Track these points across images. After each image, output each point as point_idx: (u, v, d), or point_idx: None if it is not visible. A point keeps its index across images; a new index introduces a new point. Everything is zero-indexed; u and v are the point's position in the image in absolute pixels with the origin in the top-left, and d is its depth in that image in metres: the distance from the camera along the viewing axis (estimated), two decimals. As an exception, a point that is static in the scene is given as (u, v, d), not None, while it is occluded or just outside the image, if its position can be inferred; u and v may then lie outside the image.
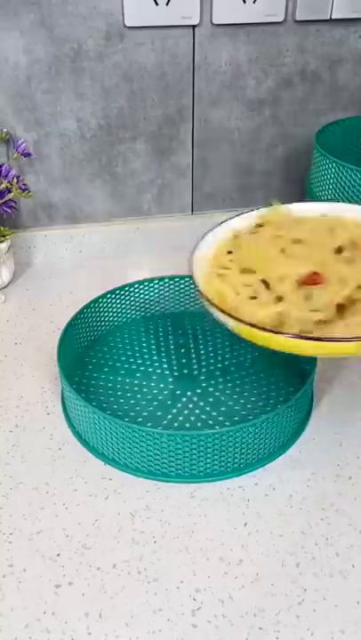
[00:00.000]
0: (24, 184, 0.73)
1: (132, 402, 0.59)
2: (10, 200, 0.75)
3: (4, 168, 0.72)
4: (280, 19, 0.77)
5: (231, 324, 0.44)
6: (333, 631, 0.42)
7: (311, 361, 0.58)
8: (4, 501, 0.52)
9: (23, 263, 0.86)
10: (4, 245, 0.77)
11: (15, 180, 0.70)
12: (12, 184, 0.70)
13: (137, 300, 0.71)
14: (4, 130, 0.76)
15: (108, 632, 0.42)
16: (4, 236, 0.77)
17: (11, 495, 0.52)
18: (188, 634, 0.42)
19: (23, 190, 0.71)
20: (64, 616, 0.43)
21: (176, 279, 0.72)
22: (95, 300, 0.67)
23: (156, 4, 0.72)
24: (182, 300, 0.73)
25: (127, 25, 0.73)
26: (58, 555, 0.47)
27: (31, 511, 0.51)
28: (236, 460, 0.53)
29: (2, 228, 0.78)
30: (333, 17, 0.77)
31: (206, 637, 0.42)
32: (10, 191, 0.72)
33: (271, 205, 0.56)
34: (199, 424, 0.56)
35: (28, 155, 0.76)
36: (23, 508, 0.51)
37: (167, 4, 0.73)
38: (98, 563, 0.47)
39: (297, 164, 0.89)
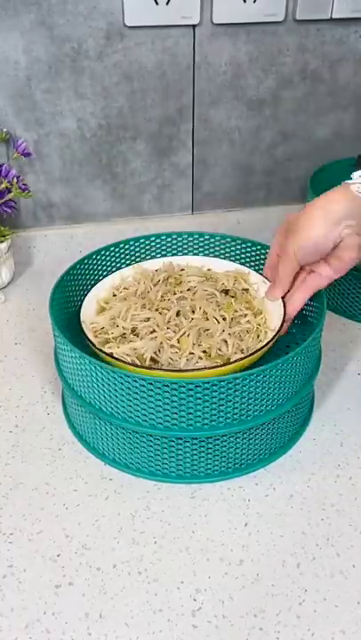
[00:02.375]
0: (24, 184, 0.73)
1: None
2: (10, 200, 0.74)
3: (3, 168, 0.71)
4: (280, 18, 0.76)
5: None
6: (334, 632, 0.42)
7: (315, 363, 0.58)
8: (4, 501, 0.52)
9: (23, 263, 0.86)
10: (4, 245, 0.77)
11: (15, 180, 0.70)
12: (12, 184, 0.70)
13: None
14: (4, 130, 0.76)
15: (109, 632, 0.42)
16: (3, 236, 0.77)
17: (11, 495, 0.52)
18: (188, 634, 0.42)
19: (23, 190, 0.71)
20: (64, 616, 0.43)
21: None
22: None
23: (157, 3, 0.72)
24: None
25: (127, 24, 0.73)
26: (58, 555, 0.47)
27: (31, 511, 0.51)
28: (236, 461, 0.53)
29: (2, 228, 0.78)
30: (334, 16, 0.77)
31: (207, 638, 0.42)
32: (10, 191, 0.72)
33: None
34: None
35: (28, 154, 0.76)
36: (23, 509, 0.51)
37: (167, 4, 0.73)
38: (98, 563, 0.47)
39: (297, 164, 0.89)
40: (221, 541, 0.48)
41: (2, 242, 0.76)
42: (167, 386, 0.47)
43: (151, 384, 0.48)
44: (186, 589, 0.45)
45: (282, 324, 0.55)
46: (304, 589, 0.45)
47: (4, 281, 0.80)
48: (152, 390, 0.48)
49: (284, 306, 0.57)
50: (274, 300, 0.58)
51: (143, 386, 0.48)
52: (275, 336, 0.54)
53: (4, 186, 0.71)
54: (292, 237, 0.54)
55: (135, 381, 0.48)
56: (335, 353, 0.69)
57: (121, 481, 0.54)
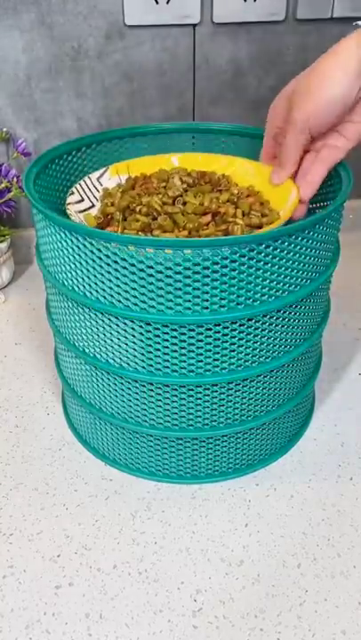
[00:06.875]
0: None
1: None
2: (10, 200, 0.74)
3: (3, 168, 0.71)
4: (281, 17, 0.76)
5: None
6: (335, 632, 0.42)
7: (315, 362, 0.58)
8: (5, 502, 0.52)
9: (23, 263, 0.86)
10: (4, 245, 0.77)
11: (15, 179, 0.70)
12: (11, 184, 0.70)
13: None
14: (4, 129, 0.76)
15: (109, 633, 0.42)
16: (3, 236, 0.77)
17: (11, 495, 0.52)
18: (188, 635, 0.42)
19: (23, 190, 0.71)
20: (64, 617, 0.43)
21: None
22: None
23: (157, 2, 0.72)
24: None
25: (127, 24, 0.73)
26: (58, 555, 0.47)
27: (31, 512, 0.51)
28: (237, 461, 0.53)
29: (2, 228, 0.78)
30: (335, 16, 0.77)
31: (207, 638, 0.42)
32: (10, 191, 0.71)
33: None
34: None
35: (27, 154, 0.76)
36: (23, 509, 0.51)
37: (167, 3, 0.72)
38: (98, 563, 0.47)
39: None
40: (222, 542, 0.48)
41: (2, 242, 0.76)
42: (167, 386, 0.47)
43: (152, 384, 0.47)
44: (186, 590, 0.45)
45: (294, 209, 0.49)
46: (305, 590, 0.45)
47: (3, 281, 0.80)
48: (152, 390, 0.48)
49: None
50: (281, 183, 0.50)
51: (143, 385, 0.48)
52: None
53: (3, 185, 0.71)
54: (301, 102, 0.45)
55: (135, 381, 0.48)
56: (336, 353, 0.69)
57: (121, 481, 0.53)
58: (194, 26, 0.75)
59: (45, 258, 0.49)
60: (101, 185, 0.58)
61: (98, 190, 0.57)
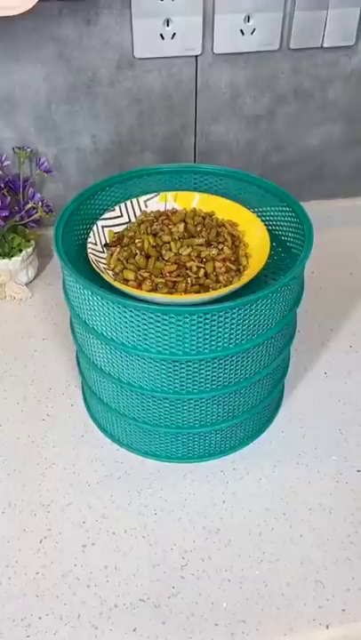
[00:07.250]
0: (47, 205, 0.84)
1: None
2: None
3: (30, 192, 0.83)
4: (275, 47, 0.84)
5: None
6: (281, 585, 0.59)
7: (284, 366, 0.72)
8: (42, 479, 0.68)
9: (46, 256, 0.98)
10: (30, 249, 0.89)
11: (40, 203, 0.82)
12: (37, 207, 0.81)
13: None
14: (29, 149, 0.86)
15: (121, 580, 0.59)
16: (28, 241, 0.89)
17: (47, 473, 0.68)
18: (178, 583, 0.59)
19: (47, 212, 0.82)
20: (90, 568, 0.60)
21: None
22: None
23: (162, 38, 0.80)
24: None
25: (136, 57, 0.82)
26: (84, 522, 0.64)
27: (63, 487, 0.67)
28: (220, 445, 0.69)
29: (27, 232, 0.90)
30: (325, 45, 0.85)
31: (190, 586, 0.59)
32: (36, 210, 0.83)
33: None
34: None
35: (48, 172, 0.86)
36: (56, 484, 0.67)
37: (172, 38, 0.81)
38: (113, 528, 0.63)
39: (289, 169, 0.98)
40: (204, 514, 0.65)
41: (29, 247, 0.89)
42: (178, 400, 0.62)
43: (167, 399, 0.62)
44: (177, 550, 0.62)
45: None
46: (263, 552, 0.62)
47: (29, 277, 0.93)
48: (155, 397, 0.63)
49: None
50: None
51: (160, 400, 0.63)
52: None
53: (30, 206, 0.82)
54: None
55: (142, 395, 0.62)
56: (307, 353, 0.83)
57: (130, 464, 0.70)
58: (196, 56, 0.84)
59: (72, 298, 0.63)
60: (147, 207, 0.70)
61: (141, 210, 0.69)
